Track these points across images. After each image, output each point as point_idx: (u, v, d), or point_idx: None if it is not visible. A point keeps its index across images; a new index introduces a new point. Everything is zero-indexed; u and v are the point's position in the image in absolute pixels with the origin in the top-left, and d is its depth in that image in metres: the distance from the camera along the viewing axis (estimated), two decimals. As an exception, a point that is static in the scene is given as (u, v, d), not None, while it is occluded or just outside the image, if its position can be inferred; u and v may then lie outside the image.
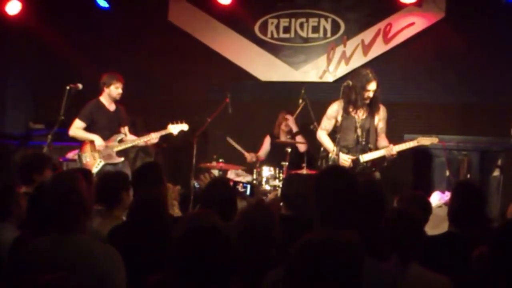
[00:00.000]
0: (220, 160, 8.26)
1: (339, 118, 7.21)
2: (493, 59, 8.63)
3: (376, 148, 7.28)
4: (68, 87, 7.40)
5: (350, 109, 7.21)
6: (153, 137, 7.76)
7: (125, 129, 7.95)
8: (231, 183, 7.85)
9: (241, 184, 7.95)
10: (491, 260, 3.00)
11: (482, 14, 8.70)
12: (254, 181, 8.04)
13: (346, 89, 7.16)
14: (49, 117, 8.12)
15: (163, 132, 7.81)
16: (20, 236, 3.91)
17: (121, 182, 4.82)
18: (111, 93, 7.71)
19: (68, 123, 7.53)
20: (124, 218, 4.68)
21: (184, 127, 7.90)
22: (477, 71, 8.69)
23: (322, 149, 7.58)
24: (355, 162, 7.11)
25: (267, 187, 7.93)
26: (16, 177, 5.49)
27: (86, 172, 4.67)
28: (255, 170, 8.15)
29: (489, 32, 8.68)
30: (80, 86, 7.49)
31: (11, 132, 9.68)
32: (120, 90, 7.72)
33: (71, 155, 8.52)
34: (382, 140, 7.32)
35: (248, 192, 7.90)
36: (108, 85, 7.70)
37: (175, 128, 7.86)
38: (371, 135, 7.26)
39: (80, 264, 3.15)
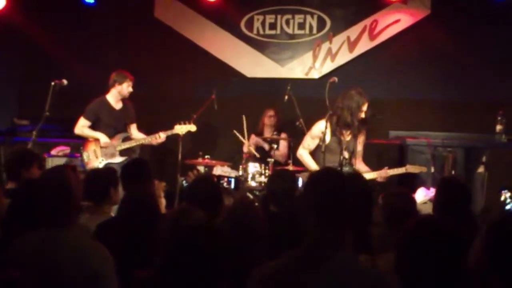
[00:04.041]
0: (206, 157, 8.24)
1: (326, 139, 7.17)
2: (479, 56, 8.68)
3: None
4: (53, 83, 7.35)
5: (339, 131, 7.24)
6: (160, 137, 7.73)
7: (132, 127, 7.94)
8: (215, 179, 7.86)
9: (225, 179, 7.95)
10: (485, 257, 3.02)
11: (467, 11, 8.74)
12: (240, 178, 8.03)
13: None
14: (34, 113, 8.07)
15: (169, 132, 7.77)
16: (5, 234, 3.88)
17: (108, 178, 4.80)
18: (123, 91, 7.72)
19: (52, 119, 7.48)
20: (112, 214, 4.68)
21: (192, 128, 7.83)
22: (463, 68, 8.73)
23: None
24: None
25: (253, 184, 7.93)
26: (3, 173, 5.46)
27: (72, 167, 4.64)
28: (241, 167, 8.13)
29: (474, 29, 8.73)
30: (65, 82, 7.44)
31: (-5, 128, 9.62)
32: (131, 89, 7.76)
33: (56, 151, 8.48)
34: (359, 164, 7.39)
35: (233, 187, 7.90)
36: (121, 83, 7.69)
37: (182, 129, 7.79)
38: (354, 157, 7.32)
39: (70, 260, 3.14)
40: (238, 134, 8.40)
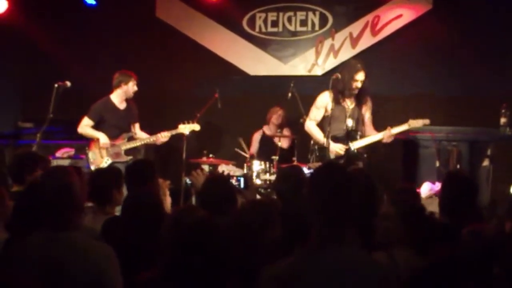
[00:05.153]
0: (211, 155, 8.25)
1: (329, 108, 7.36)
2: (481, 50, 8.66)
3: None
4: (56, 85, 7.36)
5: (340, 99, 7.33)
6: (164, 136, 7.75)
7: (136, 126, 7.95)
8: (228, 178, 7.86)
9: (234, 178, 7.95)
10: None
11: (469, 6, 8.72)
12: (247, 175, 8.02)
13: (335, 80, 7.28)
14: (38, 115, 8.08)
15: (173, 132, 7.79)
16: (11, 236, 3.88)
17: (112, 178, 4.80)
18: (129, 90, 7.74)
19: (57, 121, 7.50)
20: (116, 214, 4.67)
21: (196, 127, 7.86)
22: (465, 62, 8.71)
23: (312, 142, 7.69)
24: (347, 150, 7.27)
25: (258, 181, 7.92)
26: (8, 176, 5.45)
27: (77, 168, 4.64)
28: (245, 165, 8.14)
29: (476, 23, 8.71)
30: (68, 83, 7.45)
31: (0, 131, 9.62)
32: (136, 87, 7.78)
33: (61, 153, 8.49)
34: (370, 131, 7.49)
35: (242, 186, 7.90)
36: (127, 83, 7.71)
37: (185, 128, 7.82)
38: (359, 124, 7.39)
39: (75, 261, 3.14)
40: (241, 152, 8.47)
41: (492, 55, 8.60)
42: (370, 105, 7.59)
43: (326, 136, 7.28)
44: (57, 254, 3.15)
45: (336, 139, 7.39)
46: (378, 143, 7.49)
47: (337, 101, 7.41)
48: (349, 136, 7.42)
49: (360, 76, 7.31)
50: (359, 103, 7.48)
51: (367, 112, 7.56)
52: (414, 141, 8.00)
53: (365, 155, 7.45)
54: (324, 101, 7.45)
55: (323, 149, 7.37)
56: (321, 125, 7.58)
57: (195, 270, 2.70)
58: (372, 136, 7.44)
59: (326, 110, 7.44)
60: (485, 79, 8.61)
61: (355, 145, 7.37)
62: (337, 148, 7.36)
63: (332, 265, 2.68)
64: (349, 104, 7.45)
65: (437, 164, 7.77)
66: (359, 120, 7.49)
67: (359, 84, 7.33)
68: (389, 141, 7.39)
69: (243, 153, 8.58)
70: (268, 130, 8.88)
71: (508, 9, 8.49)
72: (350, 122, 7.42)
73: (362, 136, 7.50)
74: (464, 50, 8.68)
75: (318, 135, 7.48)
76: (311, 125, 7.59)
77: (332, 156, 7.38)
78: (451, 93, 8.81)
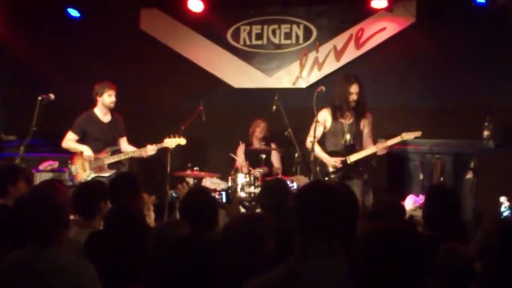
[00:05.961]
0: (195, 168, 8.23)
1: (328, 125, 7.56)
2: (464, 62, 8.71)
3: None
4: (40, 98, 7.34)
5: (338, 115, 7.49)
6: (151, 149, 7.71)
7: (122, 140, 7.90)
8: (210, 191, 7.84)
9: (217, 192, 7.93)
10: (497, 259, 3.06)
11: (452, 18, 8.78)
12: (231, 189, 8.02)
13: (320, 93, 7.46)
14: (21, 128, 8.04)
15: (158, 146, 7.75)
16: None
17: (98, 192, 4.78)
18: (105, 102, 7.70)
19: (40, 134, 7.46)
20: (101, 228, 4.65)
21: (182, 141, 7.85)
22: (448, 74, 8.76)
23: (296, 155, 7.73)
24: (344, 163, 7.31)
25: (243, 194, 7.91)
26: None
27: (59, 182, 4.63)
28: (230, 178, 8.12)
29: (459, 36, 8.77)
30: (52, 96, 7.43)
31: (-17, 144, 9.56)
32: (113, 98, 7.72)
33: (44, 166, 8.45)
34: (368, 145, 7.55)
35: (224, 200, 7.88)
36: (101, 94, 7.69)
37: (171, 142, 7.80)
38: (358, 139, 7.54)
39: (56, 278, 3.12)
40: (235, 156, 8.48)
41: (475, 68, 8.65)
42: (369, 119, 7.67)
43: (312, 148, 7.38)
44: (39, 270, 3.14)
45: (334, 154, 7.51)
46: (372, 156, 7.54)
47: (335, 117, 7.54)
48: (346, 150, 7.49)
49: (355, 89, 7.43)
50: (358, 117, 7.56)
51: (365, 127, 7.64)
52: (399, 154, 8.03)
53: (360, 168, 7.51)
54: (322, 118, 7.55)
55: (323, 163, 7.53)
56: (322, 141, 7.67)
57: (179, 286, 2.68)
58: (364, 151, 7.48)
59: (325, 127, 7.58)
60: (468, 92, 8.66)
61: (351, 158, 7.42)
62: (333, 161, 7.45)
63: (315, 277, 2.68)
64: (348, 119, 7.55)
65: (421, 177, 7.81)
66: (357, 135, 7.57)
67: (355, 97, 7.44)
68: (383, 153, 7.49)
69: (238, 159, 8.56)
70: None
71: (490, 21, 8.56)
72: (348, 137, 7.51)
73: (360, 150, 7.55)
74: (447, 63, 8.74)
75: (318, 151, 7.56)
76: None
77: (330, 169, 7.47)
78: (435, 106, 8.85)
